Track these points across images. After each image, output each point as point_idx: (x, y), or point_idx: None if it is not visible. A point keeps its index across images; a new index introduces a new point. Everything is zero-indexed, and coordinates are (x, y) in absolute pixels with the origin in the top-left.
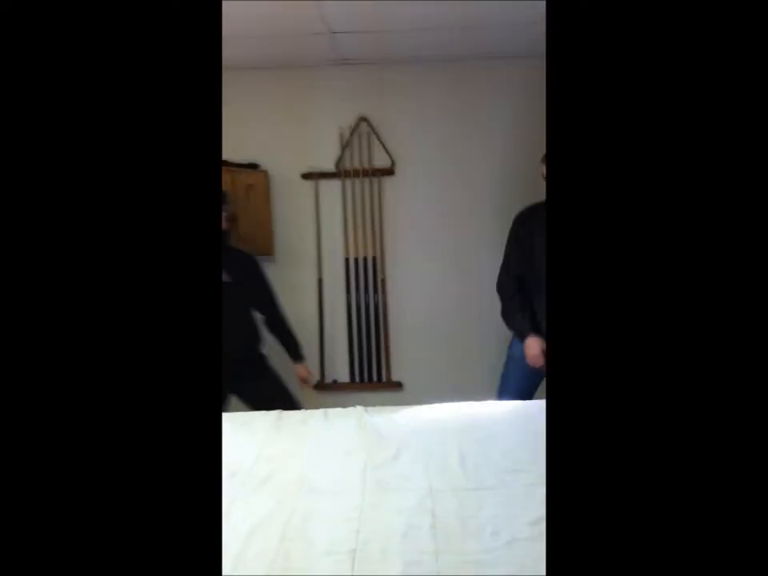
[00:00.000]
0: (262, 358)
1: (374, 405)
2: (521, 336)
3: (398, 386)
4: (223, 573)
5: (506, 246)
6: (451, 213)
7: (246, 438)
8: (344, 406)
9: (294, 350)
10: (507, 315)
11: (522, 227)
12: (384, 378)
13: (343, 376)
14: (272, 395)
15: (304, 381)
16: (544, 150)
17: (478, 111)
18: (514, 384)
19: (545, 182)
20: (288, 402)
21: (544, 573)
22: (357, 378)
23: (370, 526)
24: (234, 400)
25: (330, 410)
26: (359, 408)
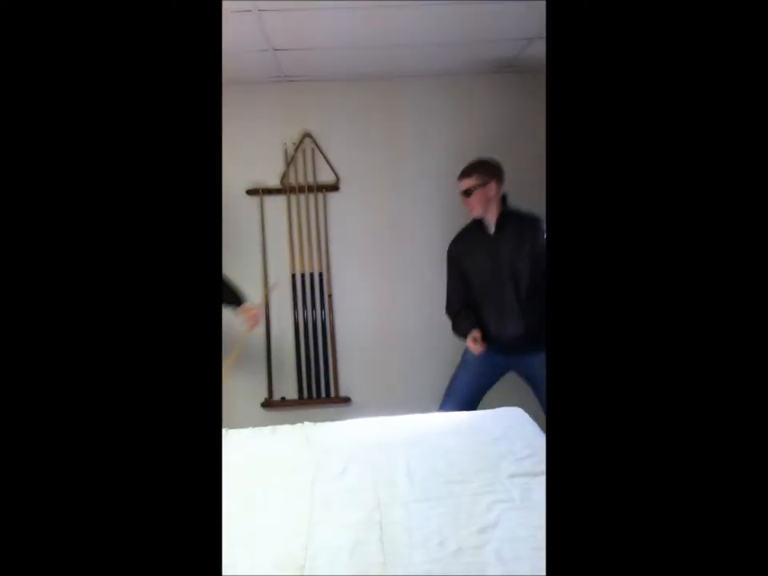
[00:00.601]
0: None
1: (322, 420)
2: (466, 333)
3: (346, 401)
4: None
5: (447, 274)
6: (396, 228)
7: None
8: (292, 423)
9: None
10: (456, 327)
11: (453, 255)
12: (332, 394)
13: (291, 393)
14: None
15: (254, 319)
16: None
17: (419, 127)
18: (462, 387)
19: (463, 197)
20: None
21: None
22: (305, 395)
23: (318, 542)
24: None
25: (278, 427)
26: (307, 423)
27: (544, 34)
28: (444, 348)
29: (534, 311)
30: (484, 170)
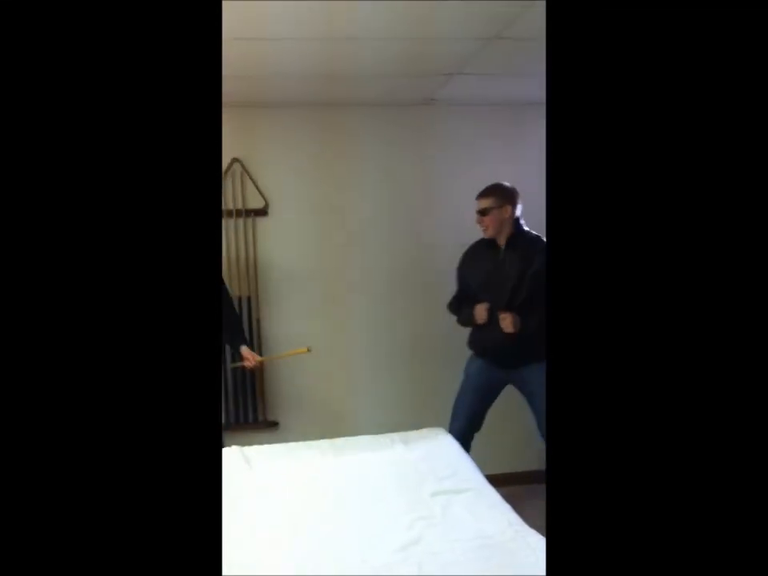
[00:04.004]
0: None
1: (249, 444)
2: (470, 319)
3: (274, 425)
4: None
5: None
6: (324, 252)
7: None
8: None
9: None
10: (460, 321)
11: (462, 268)
12: (260, 418)
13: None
14: None
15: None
16: (411, 193)
17: (348, 155)
18: (466, 403)
19: (479, 216)
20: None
21: None
22: (232, 419)
23: (238, 564)
24: None
25: None
26: (234, 447)
27: (465, 70)
28: (375, 372)
29: (527, 326)
30: (501, 193)
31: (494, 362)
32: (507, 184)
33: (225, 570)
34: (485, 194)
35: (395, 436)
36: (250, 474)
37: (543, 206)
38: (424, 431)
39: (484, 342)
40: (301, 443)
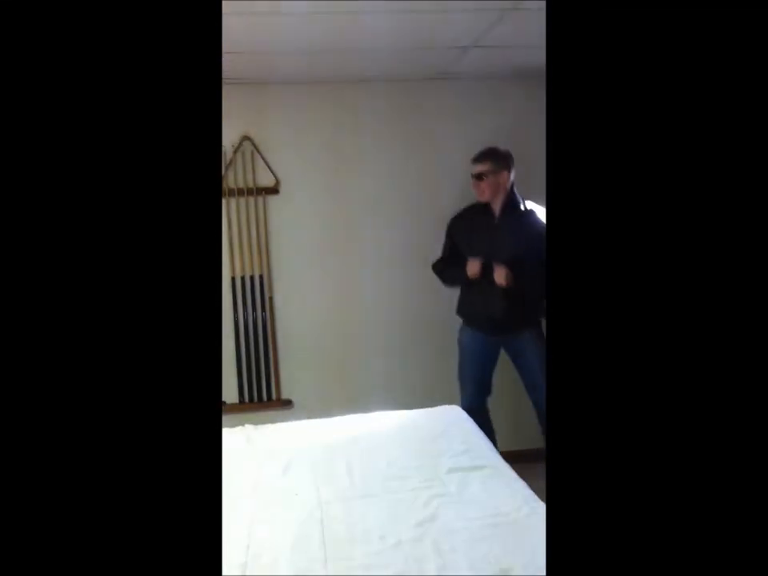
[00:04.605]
0: None
1: (263, 423)
2: (457, 273)
3: (288, 404)
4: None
5: (443, 244)
6: (336, 230)
7: None
8: (233, 427)
9: None
10: (446, 280)
11: (452, 229)
12: (274, 397)
13: (232, 397)
14: None
15: None
16: (422, 169)
17: (358, 131)
18: (468, 372)
19: (474, 180)
20: None
21: (428, 570)
22: (246, 398)
23: (259, 540)
24: None
25: None
26: (248, 426)
27: (479, 43)
28: (387, 349)
29: (518, 294)
30: (497, 158)
31: (484, 327)
32: (502, 149)
33: (238, 551)
34: (480, 158)
35: (411, 413)
36: (262, 451)
37: None
38: (440, 408)
39: (475, 307)
40: (315, 420)
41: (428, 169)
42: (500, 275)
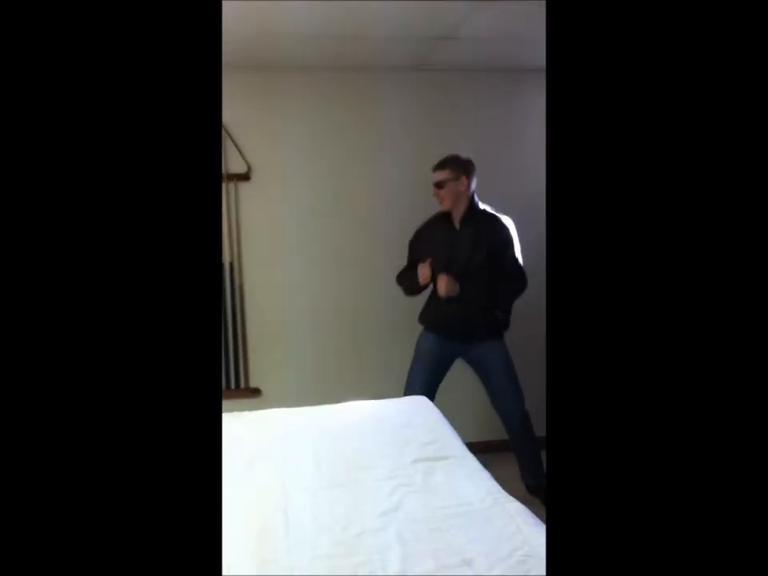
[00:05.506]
0: None
1: (231, 411)
2: (413, 282)
3: (257, 392)
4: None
5: (407, 259)
6: (307, 217)
7: None
8: None
9: None
10: (406, 288)
11: (414, 247)
12: (242, 385)
13: None
14: None
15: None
16: (397, 158)
17: (332, 119)
18: (418, 375)
19: (435, 189)
20: None
21: (391, 559)
22: None
23: (223, 528)
24: None
25: None
26: None
27: (455, 34)
28: (359, 338)
29: (477, 302)
30: (457, 164)
31: (445, 335)
32: (463, 156)
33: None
34: (441, 165)
35: (378, 403)
36: (227, 440)
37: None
38: (407, 399)
39: (436, 314)
40: (282, 409)
41: (402, 158)
42: (441, 285)
